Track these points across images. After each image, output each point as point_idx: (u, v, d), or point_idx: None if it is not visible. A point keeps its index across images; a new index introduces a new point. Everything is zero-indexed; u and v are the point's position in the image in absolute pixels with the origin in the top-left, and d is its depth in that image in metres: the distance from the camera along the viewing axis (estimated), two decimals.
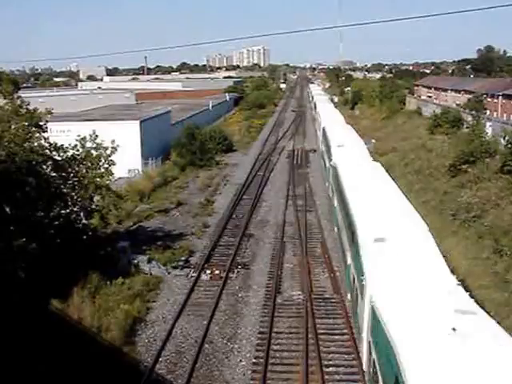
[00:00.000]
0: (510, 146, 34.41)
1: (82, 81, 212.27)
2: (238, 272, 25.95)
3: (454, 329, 10.48)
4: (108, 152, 25.09)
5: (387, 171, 28.59)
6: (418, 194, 36.92)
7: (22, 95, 26.92)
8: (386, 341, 11.83)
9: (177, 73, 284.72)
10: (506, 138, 35.49)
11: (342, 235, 23.26)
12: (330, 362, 18.05)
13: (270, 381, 17.07)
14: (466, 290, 14.42)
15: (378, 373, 12.73)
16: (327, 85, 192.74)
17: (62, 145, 24.69)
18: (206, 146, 53.13)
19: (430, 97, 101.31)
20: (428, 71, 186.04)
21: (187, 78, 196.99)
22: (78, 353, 17.31)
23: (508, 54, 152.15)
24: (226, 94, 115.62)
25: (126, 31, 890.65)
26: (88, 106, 71.37)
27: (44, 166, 23.78)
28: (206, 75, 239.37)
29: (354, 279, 18.25)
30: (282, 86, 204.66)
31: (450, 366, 9.84)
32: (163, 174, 46.56)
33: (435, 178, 40.03)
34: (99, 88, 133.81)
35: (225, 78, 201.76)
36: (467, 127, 48.61)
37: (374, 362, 13.60)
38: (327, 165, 36.30)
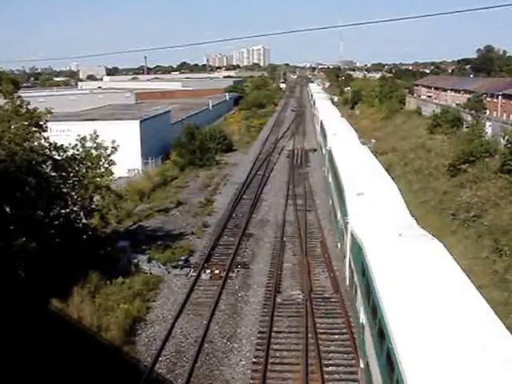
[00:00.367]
0: (509, 145, 34.43)
1: (81, 80, 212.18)
2: (237, 271, 25.97)
3: (400, 234, 16.17)
4: (108, 152, 25.13)
5: (387, 170, 28.76)
6: (418, 193, 36.96)
7: (22, 95, 26.93)
8: (358, 250, 17.22)
9: (177, 72, 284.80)
10: (506, 138, 35.51)
11: (334, 201, 28.78)
12: (330, 362, 18.08)
13: (270, 380, 17.09)
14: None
15: (354, 275, 18.16)
16: (327, 84, 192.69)
17: (62, 144, 24.72)
18: (205, 146, 53.15)
19: (429, 96, 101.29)
20: (428, 71, 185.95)
21: (187, 78, 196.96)
22: (77, 352, 17.33)
23: (508, 54, 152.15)
24: (226, 94, 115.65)
25: (125, 31, 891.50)
26: (88, 106, 71.39)
27: (44, 166, 23.82)
28: (206, 75, 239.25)
29: (342, 227, 23.12)
30: (282, 85, 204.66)
31: (396, 251, 15.38)
32: (163, 173, 46.58)
33: (435, 178, 40.04)
34: (99, 88, 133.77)
35: (225, 77, 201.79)
36: (467, 127, 48.64)
37: (352, 272, 19.10)
38: (324, 151, 41.81)
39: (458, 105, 72.27)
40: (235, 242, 29.86)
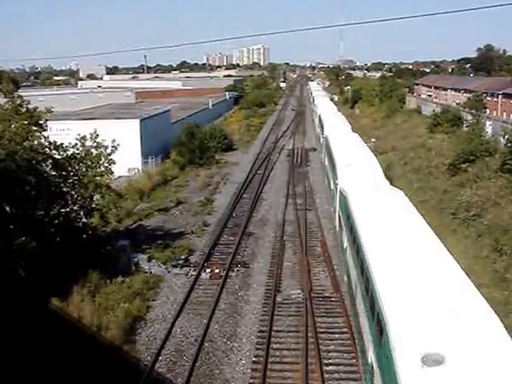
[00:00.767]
0: (509, 144, 34.45)
1: (81, 79, 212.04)
2: (237, 271, 25.97)
3: (375, 187, 21.22)
4: (108, 151, 25.10)
5: (387, 170, 29.17)
6: (418, 192, 36.91)
7: (22, 94, 26.95)
8: (344, 199, 22.15)
9: (177, 71, 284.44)
10: (506, 137, 35.52)
11: (329, 175, 34.76)
12: (330, 361, 18.08)
13: (270, 379, 17.09)
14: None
15: (341, 219, 23.41)
16: (327, 84, 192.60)
17: (62, 143, 24.71)
18: (205, 145, 53.15)
19: (429, 96, 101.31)
20: (428, 70, 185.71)
21: (187, 77, 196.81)
22: (77, 351, 17.33)
23: (508, 53, 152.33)
24: (226, 93, 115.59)
25: (125, 30, 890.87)
26: (88, 105, 71.43)
27: (44, 165, 23.81)
28: (206, 74, 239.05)
29: (333, 190, 29.01)
30: (282, 84, 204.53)
31: (370, 197, 20.57)
32: (163, 172, 46.57)
33: (435, 177, 40.04)
34: (99, 87, 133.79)
35: (225, 76, 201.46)
36: (467, 126, 48.65)
37: (339, 218, 24.65)
38: (321, 140, 48.09)
39: (458, 104, 72.26)
40: (235, 241, 29.86)
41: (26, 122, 23.65)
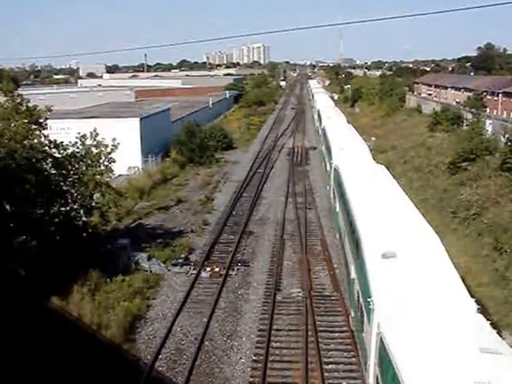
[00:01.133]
0: (509, 143, 34.45)
1: (81, 78, 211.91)
2: (237, 269, 25.97)
3: (363, 164, 26.45)
4: (108, 150, 25.08)
5: (388, 169, 28.96)
6: (418, 191, 36.93)
7: (22, 93, 26.93)
8: (337, 174, 26.94)
9: (177, 70, 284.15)
10: (506, 136, 35.53)
11: (325, 158, 40.32)
12: (330, 360, 18.09)
13: (270, 378, 17.10)
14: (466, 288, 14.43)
15: (335, 191, 28.13)
16: (327, 82, 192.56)
17: (62, 142, 24.69)
18: (205, 144, 53.11)
19: (429, 94, 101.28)
20: (428, 69, 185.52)
21: (187, 76, 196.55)
22: (77, 350, 17.33)
23: (508, 52, 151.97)
24: (226, 92, 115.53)
25: (125, 28, 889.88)
26: (88, 104, 71.29)
27: (44, 164, 23.80)
28: (206, 73, 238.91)
29: (328, 169, 34.69)
30: (282, 83, 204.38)
31: (358, 170, 25.35)
32: (163, 171, 46.54)
33: (435, 176, 40.05)
34: (99, 85, 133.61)
35: (225, 75, 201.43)
36: (467, 125, 48.66)
37: (333, 190, 29.39)
38: (320, 132, 52.90)
39: (458, 103, 72.29)
40: (235, 239, 29.86)
41: (25, 121, 23.63)
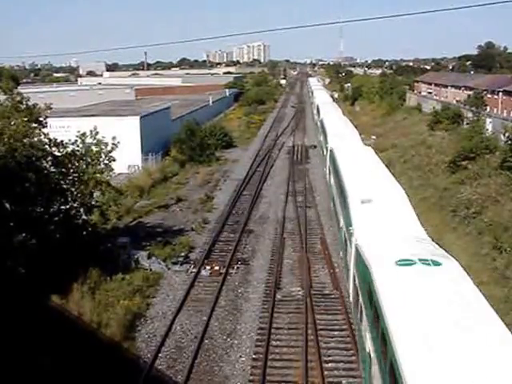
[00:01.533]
0: (510, 142, 34.42)
1: (81, 76, 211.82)
2: (237, 268, 25.98)
3: (354, 144, 34.41)
4: (108, 148, 25.06)
5: (388, 166, 29.14)
6: (418, 190, 36.93)
7: (22, 91, 26.92)
8: (331, 153, 32.31)
9: (177, 68, 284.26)
10: (507, 135, 35.50)
11: (322, 144, 46.36)
12: (330, 358, 18.09)
13: (270, 377, 17.10)
14: None
15: (330, 168, 32.16)
16: (327, 81, 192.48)
17: (62, 140, 24.67)
18: (205, 142, 53.08)
19: (430, 93, 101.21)
20: (428, 67, 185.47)
21: (187, 74, 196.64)
22: (77, 348, 17.34)
23: (508, 51, 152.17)
24: (226, 90, 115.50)
25: (125, 27, 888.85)
26: (88, 102, 71.26)
27: (44, 162, 23.78)
28: (206, 71, 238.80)
29: (324, 148, 42.01)
30: (282, 81, 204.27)
31: (348, 149, 31.39)
32: (163, 169, 46.54)
33: (435, 175, 40.02)
34: (99, 84, 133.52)
35: (225, 73, 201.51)
36: (467, 123, 48.61)
37: (328, 167, 34.91)
38: (318, 123, 58.00)
39: (458, 101, 72.23)
40: (235, 238, 29.86)
41: (25, 119, 23.60)
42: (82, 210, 24.96)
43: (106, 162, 25.15)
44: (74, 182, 24.65)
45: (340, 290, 22.91)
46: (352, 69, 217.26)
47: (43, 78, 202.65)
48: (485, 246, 26.27)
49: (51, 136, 24.35)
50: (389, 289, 13.04)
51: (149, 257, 25.92)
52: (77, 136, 25.20)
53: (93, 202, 25.38)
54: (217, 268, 25.58)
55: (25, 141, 23.05)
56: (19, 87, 32.56)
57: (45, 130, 24.19)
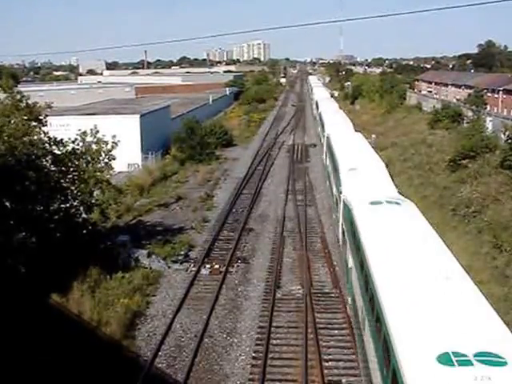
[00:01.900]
0: (510, 141, 34.39)
1: (81, 75, 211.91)
2: (237, 266, 25.99)
3: (345, 129, 42.32)
4: (108, 147, 25.05)
5: (387, 166, 29.17)
6: (418, 188, 36.91)
7: (22, 89, 26.90)
8: (328, 139, 38.95)
9: (177, 67, 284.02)
10: (507, 134, 35.47)
11: (320, 132, 53.44)
12: (330, 357, 18.09)
13: (270, 375, 17.11)
14: None
15: (327, 152, 38.33)
16: (327, 79, 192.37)
17: (62, 139, 24.66)
18: (205, 141, 53.06)
19: (430, 92, 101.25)
20: (428, 66, 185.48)
21: (187, 72, 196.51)
22: (77, 347, 17.34)
23: (509, 49, 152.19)
24: (226, 89, 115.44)
25: (125, 25, 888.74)
26: (88, 100, 71.25)
27: (44, 160, 23.77)
28: (206, 69, 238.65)
29: (320, 133, 50.74)
30: (282, 80, 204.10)
31: (340, 134, 37.85)
32: (163, 168, 46.55)
33: (435, 173, 39.99)
34: (99, 82, 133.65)
35: (225, 72, 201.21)
36: (467, 122, 48.59)
37: (325, 151, 40.19)
38: (317, 116, 64.78)
39: (458, 100, 72.19)
40: (235, 236, 29.86)
41: (25, 118, 23.60)
42: (81, 208, 24.94)
43: (106, 160, 25.12)
44: (74, 180, 24.63)
45: (340, 289, 22.92)
46: (352, 67, 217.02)
47: (43, 77, 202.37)
48: (485, 245, 26.26)
49: (51, 134, 24.34)
50: (363, 218, 18.33)
51: (149, 255, 25.91)
52: (77, 134, 25.18)
53: (93, 201, 25.34)
54: (217, 266, 25.59)
55: (25, 139, 23.04)
56: (19, 86, 32.53)
57: (45, 129, 24.18)
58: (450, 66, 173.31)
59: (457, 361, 9.20)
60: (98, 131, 25.16)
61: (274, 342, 19.07)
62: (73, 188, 24.58)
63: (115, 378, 16.29)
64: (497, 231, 26.49)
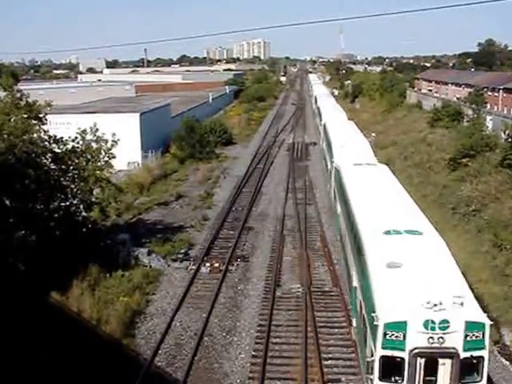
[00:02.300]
0: (510, 139, 34.38)
1: (81, 73, 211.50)
2: (237, 265, 25.98)
3: (340, 124, 46.05)
4: (108, 145, 25.04)
5: (387, 166, 29.15)
6: (418, 187, 36.90)
7: (22, 88, 26.85)
8: (324, 128, 45.92)
9: (177, 65, 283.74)
10: (507, 132, 35.44)
11: (318, 122, 62.06)
12: (330, 355, 18.10)
13: (269, 373, 17.11)
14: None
15: (323, 137, 46.19)
16: (327, 78, 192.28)
17: (62, 137, 24.64)
18: (205, 139, 53.05)
19: (430, 90, 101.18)
20: (429, 65, 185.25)
21: (187, 71, 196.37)
22: (77, 345, 17.34)
23: (509, 48, 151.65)
24: (226, 87, 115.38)
25: (125, 23, 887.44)
26: (88, 99, 71.22)
27: (44, 159, 23.75)
28: (206, 68, 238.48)
29: (319, 126, 56.77)
30: (282, 78, 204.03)
31: (336, 123, 45.95)
32: (163, 166, 46.56)
33: (435, 172, 39.99)
34: (99, 80, 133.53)
35: (225, 70, 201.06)
36: (468, 121, 48.56)
37: (323, 137, 47.99)
38: (316, 110, 72.83)
39: (458, 99, 72.13)
40: (235, 235, 29.86)
41: (25, 116, 23.59)
42: (81, 206, 24.95)
43: (105, 158, 25.12)
44: (73, 178, 24.64)
45: (340, 288, 22.92)
46: (352, 66, 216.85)
47: (43, 75, 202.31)
48: (485, 244, 26.27)
49: (51, 133, 24.33)
50: (347, 174, 25.58)
51: (148, 253, 25.92)
52: (77, 133, 25.17)
53: (93, 199, 25.36)
54: (216, 265, 25.59)
55: (24, 137, 23.02)
56: (19, 84, 32.44)
57: (45, 127, 24.16)
58: (450, 65, 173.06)
59: (393, 231, 16.74)
60: (97, 129, 25.16)
61: (274, 340, 19.07)
62: (73, 186, 24.60)
63: (115, 376, 16.29)
64: (497, 230, 26.50)
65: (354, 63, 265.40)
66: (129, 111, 51.96)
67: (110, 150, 25.06)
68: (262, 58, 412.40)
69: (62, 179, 24.35)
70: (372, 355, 13.38)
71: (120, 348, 18.27)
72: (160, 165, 46.80)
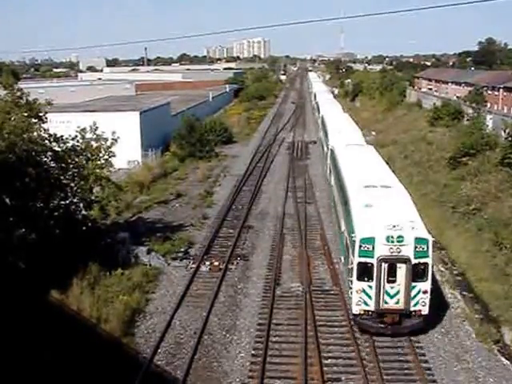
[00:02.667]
0: (510, 138, 34.37)
1: (81, 72, 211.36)
2: (237, 263, 25.97)
3: (335, 113, 55.38)
4: (108, 143, 25.03)
5: (387, 163, 29.13)
6: (418, 186, 36.89)
7: (22, 86, 26.82)
8: (322, 120, 51.31)
9: (177, 64, 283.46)
10: (507, 131, 35.43)
11: (317, 116, 65.75)
12: (329, 354, 18.09)
13: (269, 372, 17.10)
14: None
15: (322, 130, 50.87)
16: (327, 77, 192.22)
17: (62, 136, 24.62)
18: (205, 138, 53.01)
19: (430, 89, 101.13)
20: (429, 63, 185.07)
21: (187, 70, 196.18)
22: (77, 343, 17.33)
23: (509, 47, 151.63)
24: (226, 86, 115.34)
25: (126, 22, 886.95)
26: (88, 97, 71.19)
27: (44, 157, 23.74)
28: (206, 66, 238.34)
29: (317, 116, 64.28)
30: (282, 77, 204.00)
31: (331, 111, 55.85)
32: (163, 165, 46.53)
33: (435, 171, 39.99)
34: (99, 79, 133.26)
35: (225, 69, 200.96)
36: (468, 120, 48.54)
37: (321, 130, 50.97)
38: (315, 105, 75.78)
39: (458, 98, 72.08)
40: (235, 233, 29.84)
41: (25, 114, 23.56)
42: (81, 205, 24.95)
43: (105, 157, 25.11)
44: (73, 177, 24.62)
45: (340, 287, 22.90)
46: (352, 65, 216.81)
47: (43, 74, 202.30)
48: (485, 243, 26.25)
49: (51, 131, 24.30)
50: (340, 152, 30.76)
51: (148, 252, 25.91)
52: (77, 131, 25.15)
53: (93, 198, 25.36)
54: (216, 263, 25.57)
55: (25, 136, 23.00)
56: (19, 82, 32.41)
57: (45, 126, 24.14)
58: (450, 64, 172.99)
59: (370, 186, 22.44)
60: (97, 128, 25.15)
61: (274, 339, 19.06)
62: (73, 185, 24.59)
63: (115, 374, 16.29)
64: (497, 229, 26.49)
65: (354, 62, 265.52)
66: (129, 110, 51.96)
67: (110, 148, 25.05)
68: (262, 56, 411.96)
69: (62, 178, 24.33)
70: (352, 263, 18.73)
71: (120, 347, 18.27)
72: (160, 163, 46.78)
